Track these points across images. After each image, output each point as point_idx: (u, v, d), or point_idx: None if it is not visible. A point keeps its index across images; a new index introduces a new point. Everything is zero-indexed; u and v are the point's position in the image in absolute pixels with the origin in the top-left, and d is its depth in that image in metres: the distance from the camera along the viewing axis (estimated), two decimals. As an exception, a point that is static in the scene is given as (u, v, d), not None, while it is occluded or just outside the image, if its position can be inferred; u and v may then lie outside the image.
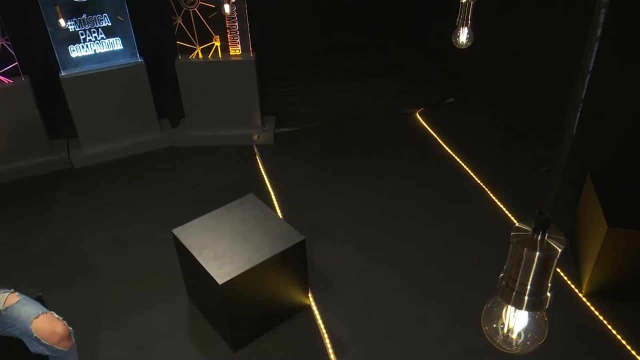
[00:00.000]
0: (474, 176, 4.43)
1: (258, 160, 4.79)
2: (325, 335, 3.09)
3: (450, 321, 3.19)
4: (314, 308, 3.28)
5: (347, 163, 4.71)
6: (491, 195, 4.20)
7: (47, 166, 4.73)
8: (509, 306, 1.13)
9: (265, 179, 4.52)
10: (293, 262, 3.02)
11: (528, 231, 1.05)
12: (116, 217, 4.15)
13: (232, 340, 3.00)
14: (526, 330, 1.17)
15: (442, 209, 4.10)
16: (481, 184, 4.33)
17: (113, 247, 3.84)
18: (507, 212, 4.01)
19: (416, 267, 3.58)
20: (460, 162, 4.62)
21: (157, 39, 5.01)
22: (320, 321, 3.19)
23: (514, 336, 1.19)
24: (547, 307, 1.09)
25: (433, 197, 4.24)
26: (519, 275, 1.06)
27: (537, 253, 1.01)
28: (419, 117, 5.37)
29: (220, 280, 2.69)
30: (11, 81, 4.40)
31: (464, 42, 2.15)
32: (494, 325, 1.20)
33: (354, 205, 4.17)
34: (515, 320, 1.17)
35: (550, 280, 1.06)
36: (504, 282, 1.11)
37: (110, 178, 4.63)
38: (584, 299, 3.28)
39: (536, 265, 1.03)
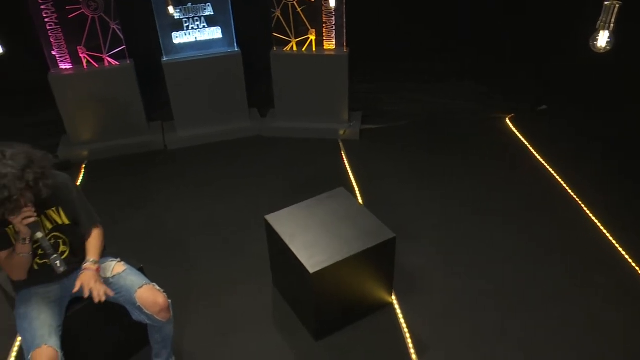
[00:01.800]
0: (566, 186, 4.26)
1: (343, 155, 4.82)
2: (407, 335, 3.08)
3: (533, 331, 3.09)
4: (397, 306, 3.27)
5: (433, 164, 4.65)
6: (584, 207, 4.02)
7: (143, 146, 4.97)
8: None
9: (350, 173, 4.55)
10: (381, 259, 3.03)
11: None
12: (206, 199, 4.31)
13: (315, 329, 3.04)
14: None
15: (530, 217, 3.98)
16: (573, 195, 4.16)
17: (203, 229, 3.99)
18: (598, 224, 3.84)
19: (501, 274, 3.49)
20: (552, 171, 4.46)
21: (253, 30, 5.14)
22: (402, 320, 3.18)
23: None
24: None
25: (521, 204, 4.12)
26: None
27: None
28: (509, 122, 5.22)
29: (312, 270, 2.74)
30: (118, 63, 4.66)
31: (603, 46, 2.06)
32: None
33: (438, 207, 4.12)
34: None
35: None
36: None
37: (201, 162, 4.81)
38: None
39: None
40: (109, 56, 4.61)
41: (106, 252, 2.72)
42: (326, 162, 4.76)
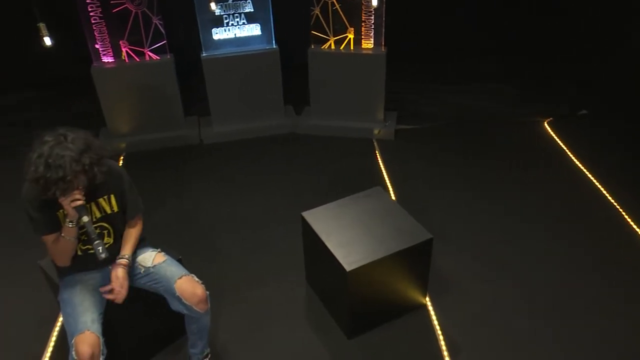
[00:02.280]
0: (606, 194, 4.17)
1: (377, 154, 4.81)
2: (441, 337, 3.06)
3: (570, 342, 3.03)
4: (430, 308, 3.25)
5: (469, 166, 4.61)
6: (625, 216, 3.93)
7: (179, 140, 5.05)
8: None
9: (384, 173, 4.53)
10: (418, 260, 3.01)
11: None
12: (240, 194, 4.35)
13: (348, 327, 3.04)
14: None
15: (568, 224, 3.91)
16: (614, 203, 4.07)
17: (236, 223, 4.03)
18: (642, 236, 3.76)
19: (537, 281, 3.44)
20: (592, 178, 4.36)
21: (291, 27, 5.17)
22: (436, 322, 3.16)
23: None
24: None
25: (559, 211, 4.04)
26: None
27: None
28: (547, 126, 5.13)
29: (348, 268, 2.74)
30: (158, 58, 4.73)
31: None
32: None
33: (473, 210, 4.08)
34: None
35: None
36: None
37: (235, 157, 4.86)
38: None
39: None
40: (150, 50, 4.69)
41: (147, 243, 2.77)
42: (360, 161, 4.75)
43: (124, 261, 2.52)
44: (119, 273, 2.47)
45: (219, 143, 5.07)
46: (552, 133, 5.02)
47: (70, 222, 2.31)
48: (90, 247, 2.48)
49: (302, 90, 5.24)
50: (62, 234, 2.34)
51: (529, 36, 6.12)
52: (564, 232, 3.83)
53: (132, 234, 2.62)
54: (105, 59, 4.65)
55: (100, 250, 2.34)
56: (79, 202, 2.25)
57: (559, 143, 4.87)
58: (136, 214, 2.64)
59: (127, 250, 2.57)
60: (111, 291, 2.45)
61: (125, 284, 2.47)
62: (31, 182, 2.17)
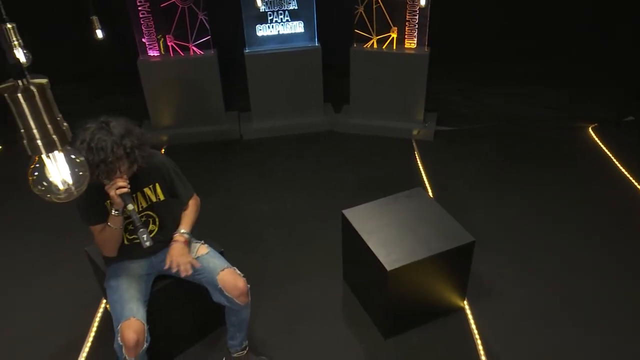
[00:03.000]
0: (653, 204, 4.06)
1: (416, 155, 4.78)
2: (479, 341, 3.02)
3: (614, 353, 2.96)
4: (468, 311, 3.22)
5: (509, 170, 4.54)
6: (673, 227, 3.82)
7: (219, 134, 5.12)
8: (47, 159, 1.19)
9: (423, 174, 4.50)
10: (458, 262, 2.99)
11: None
12: (278, 190, 4.38)
13: (385, 327, 3.04)
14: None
15: (612, 231, 3.81)
16: (662, 213, 3.96)
17: (274, 219, 4.06)
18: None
19: (579, 289, 3.36)
20: (638, 185, 4.25)
21: (334, 25, 5.18)
22: (473, 326, 3.12)
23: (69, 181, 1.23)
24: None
25: (603, 218, 3.95)
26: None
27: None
28: (591, 132, 5.01)
29: (389, 267, 2.73)
30: (202, 53, 4.80)
31: None
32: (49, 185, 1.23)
33: (514, 214, 4.02)
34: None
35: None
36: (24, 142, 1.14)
37: (275, 153, 4.90)
38: None
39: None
40: (195, 45, 4.76)
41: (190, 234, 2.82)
42: (399, 161, 4.73)
43: (179, 237, 2.58)
44: (172, 250, 2.53)
45: (258, 139, 5.11)
46: (596, 139, 4.91)
47: (116, 210, 2.36)
48: (136, 237, 2.54)
49: (341, 88, 5.25)
50: (109, 223, 2.40)
51: (576, 39, 5.98)
52: (608, 241, 3.74)
53: (187, 214, 2.70)
54: (151, 53, 4.74)
55: (145, 239, 2.38)
56: (125, 190, 2.31)
57: (603, 149, 4.75)
58: (189, 197, 2.72)
59: (183, 226, 2.63)
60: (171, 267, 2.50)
61: (183, 259, 2.51)
62: None
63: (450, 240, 2.90)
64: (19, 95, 1.10)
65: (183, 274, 2.50)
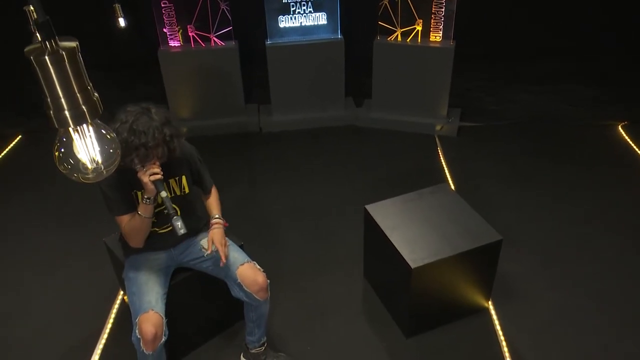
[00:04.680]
0: (687, 205, 3.91)
1: (439, 151, 4.68)
2: (504, 344, 2.93)
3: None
4: (493, 313, 3.12)
5: (537, 168, 4.41)
6: None
7: (238, 127, 5.06)
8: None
9: (446, 170, 4.40)
10: (484, 261, 2.89)
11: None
12: (297, 184, 4.32)
13: (407, 326, 2.96)
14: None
15: (643, 234, 3.69)
16: (695, 215, 3.81)
17: (294, 213, 4.00)
18: None
19: (611, 293, 3.24)
20: (670, 187, 4.11)
21: (357, 17, 5.08)
22: (498, 327, 3.02)
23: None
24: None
25: (633, 218, 3.81)
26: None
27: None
28: (621, 130, 4.86)
29: (413, 265, 2.65)
30: (223, 44, 4.74)
31: None
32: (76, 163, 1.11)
33: (542, 214, 3.90)
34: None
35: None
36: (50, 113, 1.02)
37: (293, 146, 4.83)
38: None
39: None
40: (216, 36, 4.70)
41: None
42: (421, 156, 4.63)
43: (218, 220, 2.56)
44: (214, 234, 2.49)
45: (277, 132, 5.05)
46: (626, 137, 4.75)
47: (148, 198, 2.31)
48: (158, 229, 2.49)
49: (362, 83, 5.15)
50: (139, 212, 2.34)
51: (606, 36, 5.82)
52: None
53: (213, 201, 2.69)
54: (172, 43, 4.70)
55: (179, 226, 2.30)
56: (158, 176, 2.26)
57: (634, 148, 4.60)
58: (211, 187, 2.72)
59: (216, 211, 2.63)
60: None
61: (224, 241, 2.50)
62: None
63: (477, 238, 2.81)
64: (46, 58, 0.98)
65: (224, 259, 2.44)
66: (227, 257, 2.51)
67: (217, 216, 2.59)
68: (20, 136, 5.06)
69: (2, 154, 4.81)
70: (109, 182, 2.31)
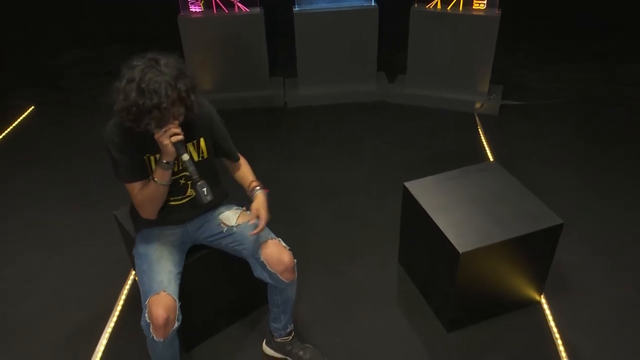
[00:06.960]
0: None
1: (479, 130, 4.31)
2: (559, 342, 2.58)
3: None
4: (545, 307, 2.77)
5: (588, 150, 4.03)
6: None
7: (262, 101, 4.75)
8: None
9: (487, 150, 4.04)
10: (541, 248, 2.54)
11: None
12: (325, 161, 4.00)
13: (449, 319, 2.63)
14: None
15: None
16: None
17: (320, 191, 3.68)
18: None
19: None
20: None
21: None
22: (552, 323, 2.68)
23: None
24: None
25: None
26: None
27: None
28: (678, 112, 4.44)
29: (461, 249, 2.31)
30: (248, 10, 4.42)
31: None
32: None
33: (595, 200, 3.53)
34: None
35: None
36: None
37: (321, 122, 4.51)
38: None
39: None
40: (240, 2, 4.38)
41: (231, 199, 2.46)
42: (460, 136, 4.27)
43: (259, 186, 2.30)
44: (259, 203, 2.22)
45: (303, 106, 4.72)
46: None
47: (167, 163, 1.99)
48: (173, 199, 2.19)
49: (394, 58, 4.78)
50: (155, 179, 2.04)
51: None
52: None
53: (245, 170, 2.42)
54: (193, 9, 4.38)
55: (205, 192, 1.99)
56: (180, 137, 1.93)
57: (694, 131, 4.18)
58: (237, 154, 2.43)
59: (252, 177, 2.36)
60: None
61: (267, 210, 2.21)
62: (121, 112, 1.85)
63: (534, 222, 2.45)
64: None
65: (260, 227, 2.14)
66: (245, 235, 2.21)
67: (255, 181, 2.30)
68: (32, 107, 4.82)
69: (14, 125, 4.57)
70: (116, 144, 2.00)
